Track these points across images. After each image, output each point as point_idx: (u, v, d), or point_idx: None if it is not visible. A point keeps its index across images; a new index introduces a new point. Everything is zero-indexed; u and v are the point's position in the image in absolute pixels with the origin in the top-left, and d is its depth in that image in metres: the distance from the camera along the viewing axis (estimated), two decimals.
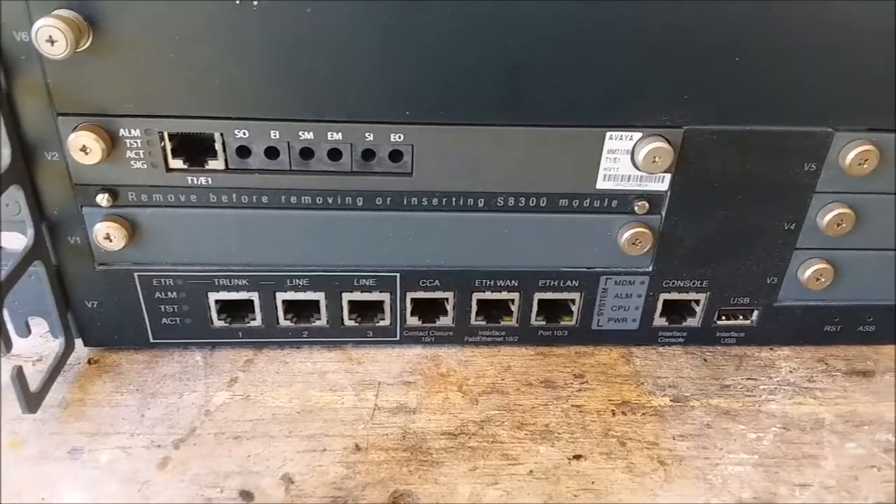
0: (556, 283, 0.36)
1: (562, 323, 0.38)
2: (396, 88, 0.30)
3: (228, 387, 0.35)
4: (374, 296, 0.36)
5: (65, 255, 0.33)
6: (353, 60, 0.29)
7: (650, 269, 0.36)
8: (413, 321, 0.37)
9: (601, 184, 0.33)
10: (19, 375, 0.31)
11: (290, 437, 0.33)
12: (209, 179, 0.32)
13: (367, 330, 0.37)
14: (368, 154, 0.32)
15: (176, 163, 0.32)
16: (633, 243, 0.34)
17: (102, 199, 0.32)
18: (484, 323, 0.38)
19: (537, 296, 0.37)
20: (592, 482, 0.31)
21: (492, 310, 0.37)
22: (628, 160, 0.32)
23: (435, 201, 0.33)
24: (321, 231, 0.34)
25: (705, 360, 0.38)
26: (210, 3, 0.28)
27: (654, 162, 0.32)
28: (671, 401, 0.35)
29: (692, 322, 0.38)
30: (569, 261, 0.36)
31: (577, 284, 0.36)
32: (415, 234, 0.34)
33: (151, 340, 0.36)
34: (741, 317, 0.38)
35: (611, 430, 0.34)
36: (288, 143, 0.31)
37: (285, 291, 0.35)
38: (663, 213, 0.34)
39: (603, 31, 0.29)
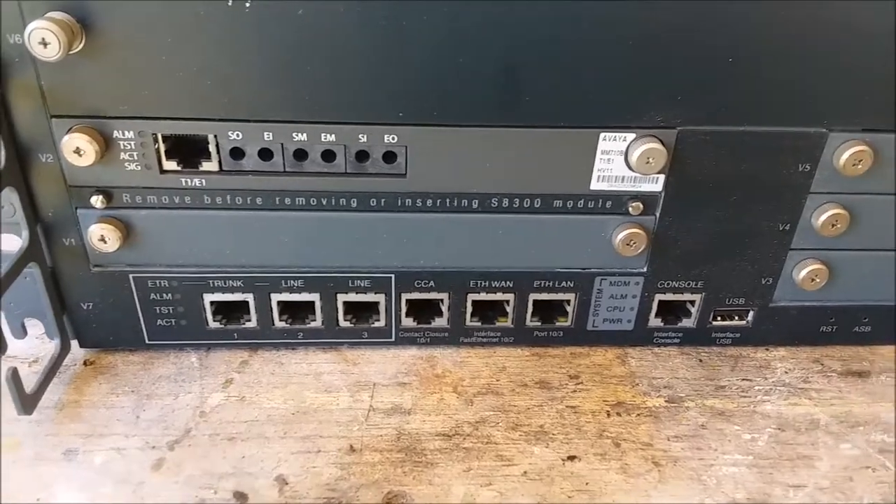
0: (550, 283, 0.36)
1: (557, 324, 0.38)
2: (390, 90, 0.30)
3: (223, 388, 0.35)
4: (368, 297, 0.36)
5: (60, 257, 0.34)
6: (346, 62, 0.29)
7: (645, 269, 0.36)
8: (408, 322, 0.37)
9: (595, 185, 0.33)
10: (14, 377, 0.31)
11: (284, 438, 0.33)
12: (203, 181, 0.32)
13: (363, 331, 0.37)
14: (362, 155, 0.32)
15: (170, 164, 0.32)
16: (628, 244, 0.34)
17: (97, 200, 0.32)
18: (479, 324, 0.38)
19: (532, 297, 0.37)
20: (586, 483, 0.31)
21: (487, 311, 0.38)
22: (622, 161, 0.32)
23: (429, 202, 0.33)
24: (315, 232, 0.34)
25: (701, 360, 0.38)
26: (202, 5, 0.28)
27: (647, 163, 0.32)
28: (666, 401, 0.35)
29: (687, 323, 0.38)
30: (563, 262, 0.36)
31: (571, 285, 0.36)
32: (409, 235, 0.34)
33: (147, 342, 0.36)
34: (736, 317, 0.38)
35: (605, 431, 0.34)
36: (282, 144, 0.31)
37: (280, 293, 0.35)
38: (657, 214, 0.34)
39: (596, 31, 0.29)
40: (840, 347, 0.39)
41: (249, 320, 0.36)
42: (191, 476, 0.31)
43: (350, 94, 0.30)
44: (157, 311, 0.35)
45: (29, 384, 0.32)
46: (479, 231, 0.34)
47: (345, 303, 0.36)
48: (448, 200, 0.33)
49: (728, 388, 0.36)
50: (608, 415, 0.35)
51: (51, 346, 0.35)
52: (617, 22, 0.29)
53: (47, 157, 0.31)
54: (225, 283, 0.35)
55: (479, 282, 0.36)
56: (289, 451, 0.32)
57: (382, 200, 0.33)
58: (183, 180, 0.32)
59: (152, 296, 0.35)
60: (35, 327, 0.36)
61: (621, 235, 0.34)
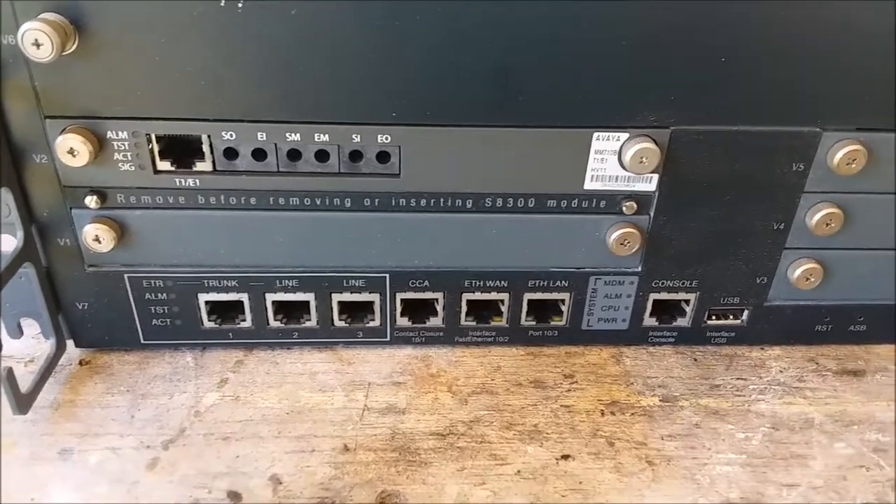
0: (545, 283, 0.36)
1: (552, 323, 0.38)
2: (383, 89, 0.30)
3: (218, 388, 0.35)
4: (363, 297, 0.36)
5: (55, 257, 0.34)
6: (339, 62, 0.29)
7: (639, 269, 0.36)
8: (403, 322, 0.37)
9: (589, 184, 0.33)
10: (9, 377, 0.31)
11: (279, 437, 0.33)
12: (197, 181, 0.32)
13: (358, 331, 0.37)
14: (356, 155, 0.32)
15: (164, 165, 0.32)
16: (622, 244, 0.34)
17: (91, 201, 0.32)
18: (474, 323, 0.38)
19: (527, 296, 0.37)
20: (580, 482, 0.31)
21: (482, 310, 0.38)
22: (615, 161, 0.32)
23: (423, 202, 0.33)
24: (310, 232, 0.34)
25: (695, 359, 0.38)
26: (195, 5, 0.28)
27: (641, 162, 0.32)
28: (660, 401, 0.35)
29: (682, 322, 0.38)
30: (558, 261, 0.36)
31: (566, 285, 0.36)
32: (403, 234, 0.34)
33: (142, 341, 0.37)
34: (731, 317, 0.38)
35: (599, 431, 0.34)
36: (275, 144, 0.31)
37: (275, 292, 0.35)
38: (651, 214, 0.34)
39: (590, 32, 0.29)
40: (835, 346, 0.39)
41: (244, 320, 0.36)
42: (185, 475, 0.31)
43: (343, 94, 0.30)
44: (152, 310, 0.36)
45: (24, 384, 0.33)
46: (474, 231, 0.34)
47: (339, 302, 0.36)
48: (442, 200, 0.33)
49: (722, 387, 0.37)
50: (602, 414, 0.35)
51: (46, 346, 0.35)
52: (610, 22, 0.29)
53: (41, 157, 0.31)
54: (219, 283, 0.35)
55: (473, 281, 0.36)
56: (283, 450, 0.32)
57: (376, 200, 0.33)
58: (177, 180, 0.32)
59: (147, 296, 0.35)
60: (31, 327, 0.36)
61: (615, 235, 0.34)
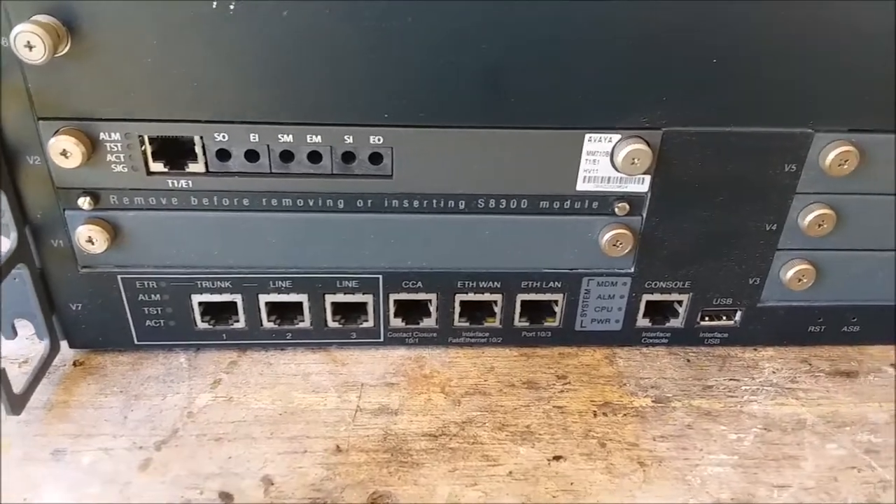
0: (538, 284, 0.36)
1: (545, 324, 0.38)
2: (376, 91, 0.30)
3: (212, 388, 0.35)
4: (357, 297, 0.36)
5: (48, 258, 0.34)
6: (332, 63, 0.30)
7: (632, 270, 0.36)
8: (396, 322, 0.37)
9: (581, 185, 0.33)
10: (2, 377, 0.31)
11: (271, 438, 0.33)
12: (190, 182, 0.32)
13: (351, 331, 0.37)
14: (348, 156, 0.32)
15: (156, 166, 0.32)
16: (614, 245, 0.34)
17: (84, 202, 0.32)
18: (468, 324, 0.38)
19: (520, 297, 0.37)
20: (571, 483, 0.31)
21: (475, 311, 0.38)
22: (608, 162, 0.33)
23: (416, 203, 0.33)
24: (303, 233, 0.34)
25: (689, 360, 0.38)
26: (187, 7, 0.28)
27: (632, 163, 0.32)
28: (653, 402, 0.36)
29: (675, 323, 0.38)
30: (551, 262, 0.36)
31: (559, 286, 0.36)
32: (396, 235, 0.34)
33: (136, 342, 0.37)
34: (724, 317, 0.38)
35: (591, 431, 0.34)
36: (268, 145, 0.31)
37: (268, 293, 0.36)
38: (644, 215, 0.34)
39: (581, 33, 0.29)
40: (828, 347, 0.39)
41: (238, 321, 0.36)
42: (177, 476, 0.31)
43: (336, 96, 0.30)
44: (146, 311, 0.36)
45: (18, 385, 0.33)
46: (466, 232, 0.34)
47: (333, 303, 0.36)
48: (435, 201, 0.34)
49: (715, 388, 0.37)
50: (595, 415, 0.35)
51: (40, 347, 0.35)
52: (602, 23, 0.29)
53: (35, 159, 0.31)
54: (213, 284, 0.35)
55: (466, 282, 0.36)
56: (275, 451, 0.32)
57: (369, 201, 0.33)
58: (170, 182, 0.32)
59: (140, 297, 0.35)
60: (25, 328, 0.36)
61: (608, 236, 0.34)
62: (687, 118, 0.32)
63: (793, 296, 0.37)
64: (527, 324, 0.38)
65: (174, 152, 0.32)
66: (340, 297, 0.36)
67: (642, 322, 0.38)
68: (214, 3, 0.28)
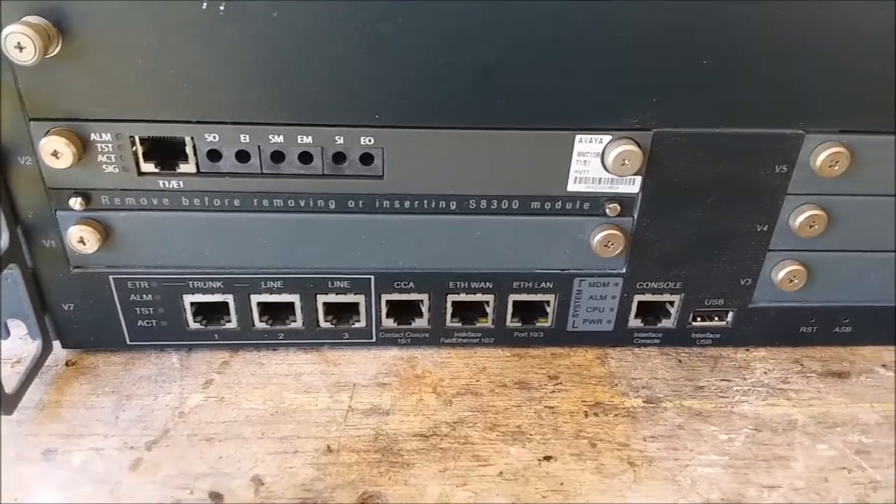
0: (530, 284, 0.36)
1: (537, 324, 0.38)
2: (366, 92, 0.30)
3: (203, 389, 0.35)
4: (348, 298, 0.36)
5: (40, 259, 0.34)
6: (322, 64, 0.30)
7: (624, 270, 0.36)
8: (388, 323, 0.37)
9: (572, 186, 0.33)
10: None
11: (262, 438, 0.33)
12: (181, 183, 0.32)
13: (343, 332, 0.37)
14: (339, 157, 0.32)
15: (147, 166, 0.32)
16: (606, 245, 0.34)
17: (75, 202, 0.32)
18: (460, 324, 0.38)
19: (512, 297, 0.37)
20: (561, 483, 0.31)
21: (467, 311, 0.38)
22: (598, 163, 0.33)
23: (407, 204, 0.34)
24: (294, 234, 0.34)
25: (680, 361, 0.38)
26: (178, 7, 0.28)
27: (623, 164, 0.32)
28: (644, 402, 0.36)
29: (667, 323, 0.38)
30: (542, 263, 0.36)
31: (551, 286, 0.36)
32: (387, 236, 0.34)
33: (128, 342, 0.37)
34: (716, 318, 0.38)
35: (582, 432, 0.34)
36: (258, 146, 0.32)
37: (260, 294, 0.36)
38: (635, 216, 0.34)
39: (572, 34, 0.29)
40: (820, 348, 0.39)
41: (230, 321, 0.37)
42: (168, 476, 0.31)
43: (326, 96, 0.30)
44: (138, 311, 0.36)
45: (10, 384, 0.33)
46: (458, 232, 0.35)
47: (325, 304, 0.36)
48: (426, 202, 0.34)
49: (707, 388, 0.37)
50: (586, 415, 0.35)
51: (33, 347, 0.36)
52: (593, 24, 0.29)
53: (26, 159, 0.31)
54: (204, 284, 0.35)
55: (458, 283, 0.36)
56: (266, 451, 0.32)
57: (360, 202, 0.33)
58: (161, 182, 0.32)
59: (132, 297, 0.35)
60: (18, 328, 0.36)
61: (599, 237, 0.34)
62: (677, 119, 0.32)
63: (784, 296, 0.37)
64: (519, 324, 0.38)
65: (165, 153, 0.32)
66: (332, 298, 0.36)
67: (634, 322, 0.38)
68: (205, 3, 0.28)
